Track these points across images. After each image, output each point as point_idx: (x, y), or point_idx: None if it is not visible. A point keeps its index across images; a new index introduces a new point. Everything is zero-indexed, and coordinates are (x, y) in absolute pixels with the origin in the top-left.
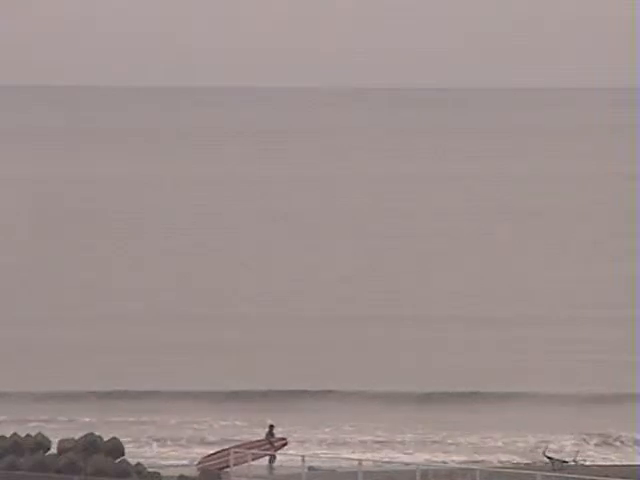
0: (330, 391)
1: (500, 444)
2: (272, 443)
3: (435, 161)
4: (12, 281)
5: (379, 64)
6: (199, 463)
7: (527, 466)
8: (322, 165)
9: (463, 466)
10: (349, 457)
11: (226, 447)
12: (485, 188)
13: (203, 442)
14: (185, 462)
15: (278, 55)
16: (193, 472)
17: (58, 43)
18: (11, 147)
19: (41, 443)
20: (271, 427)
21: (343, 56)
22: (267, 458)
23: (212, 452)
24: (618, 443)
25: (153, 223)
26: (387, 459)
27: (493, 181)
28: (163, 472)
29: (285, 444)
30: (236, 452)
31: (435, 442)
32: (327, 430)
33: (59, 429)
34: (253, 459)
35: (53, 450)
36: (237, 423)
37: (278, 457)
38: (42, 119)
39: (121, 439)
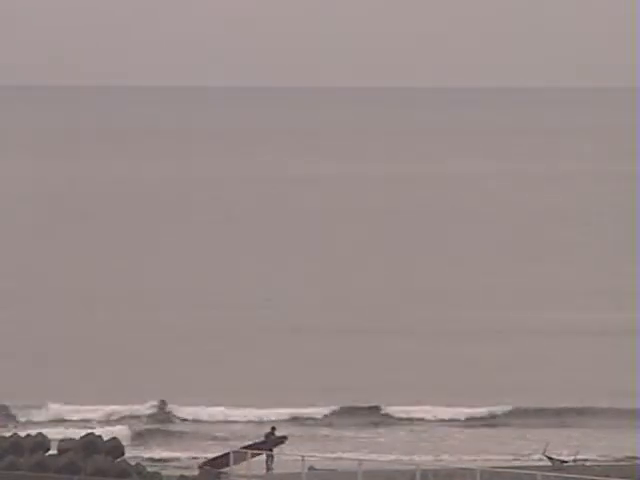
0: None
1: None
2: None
3: (435, 161)
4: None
5: (379, 64)
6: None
7: (527, 466)
8: (322, 165)
9: (463, 466)
10: (349, 457)
11: (228, 449)
12: (486, 188)
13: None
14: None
15: (278, 55)
16: (193, 472)
17: (58, 43)
18: (11, 147)
19: (41, 443)
20: (272, 429)
21: (343, 56)
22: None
23: (214, 455)
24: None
25: (152, 223)
26: (387, 459)
27: (494, 181)
28: (163, 472)
29: (283, 441)
30: (236, 453)
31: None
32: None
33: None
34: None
35: (53, 450)
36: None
37: (278, 457)
38: (42, 119)
39: None
